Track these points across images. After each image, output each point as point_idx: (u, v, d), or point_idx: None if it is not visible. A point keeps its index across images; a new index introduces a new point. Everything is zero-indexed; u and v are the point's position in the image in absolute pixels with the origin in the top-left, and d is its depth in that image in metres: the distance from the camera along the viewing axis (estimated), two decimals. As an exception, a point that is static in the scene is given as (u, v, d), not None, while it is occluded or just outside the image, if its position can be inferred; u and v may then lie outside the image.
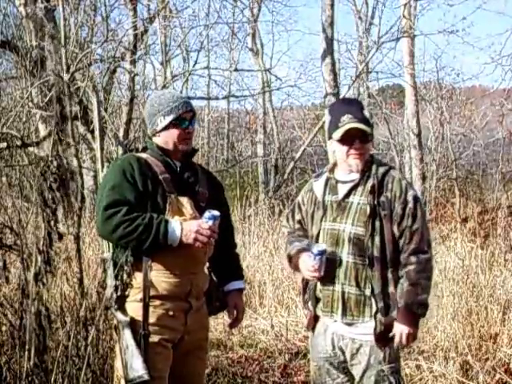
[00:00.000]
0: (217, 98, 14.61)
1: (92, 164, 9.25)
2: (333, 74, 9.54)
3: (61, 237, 2.98)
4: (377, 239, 2.74)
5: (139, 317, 2.63)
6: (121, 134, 9.19)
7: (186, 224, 2.64)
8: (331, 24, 9.61)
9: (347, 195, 2.83)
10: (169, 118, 2.77)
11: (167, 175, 2.72)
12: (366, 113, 2.98)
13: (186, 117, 2.79)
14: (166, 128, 2.78)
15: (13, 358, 3.10)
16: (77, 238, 4.39)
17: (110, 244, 2.82)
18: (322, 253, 2.74)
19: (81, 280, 4.12)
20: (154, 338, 2.63)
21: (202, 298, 2.83)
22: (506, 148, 15.66)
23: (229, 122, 18.45)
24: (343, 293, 2.79)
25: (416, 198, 2.79)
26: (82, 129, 8.73)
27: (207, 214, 2.66)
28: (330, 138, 2.86)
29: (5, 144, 8.20)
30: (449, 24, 10.80)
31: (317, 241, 2.86)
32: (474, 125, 15.80)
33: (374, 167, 2.83)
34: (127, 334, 2.60)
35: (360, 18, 15.15)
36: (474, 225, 8.27)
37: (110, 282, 2.69)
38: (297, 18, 36.22)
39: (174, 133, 2.78)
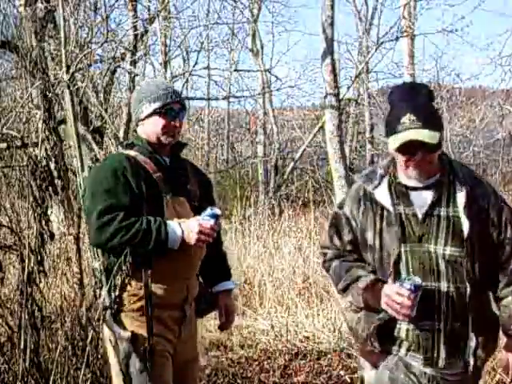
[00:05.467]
0: (217, 99, 14.64)
1: (92, 164, 9.24)
2: (333, 75, 9.54)
3: (53, 236, 2.93)
4: (476, 259, 2.23)
5: (138, 328, 2.50)
6: (121, 134, 9.19)
7: (185, 225, 2.46)
8: (331, 24, 9.60)
9: (431, 206, 2.26)
10: (154, 106, 2.56)
11: (160, 174, 2.54)
12: (435, 104, 2.37)
13: (174, 107, 2.57)
14: (149, 116, 2.57)
15: (12, 359, 3.10)
16: (77, 239, 4.37)
17: (99, 251, 2.61)
18: (417, 288, 2.15)
19: (81, 280, 4.11)
20: (156, 351, 2.51)
21: (193, 304, 2.69)
22: (506, 149, 15.67)
23: (229, 122, 18.44)
24: (445, 332, 2.24)
25: (507, 204, 2.32)
26: (81, 129, 8.72)
27: (209, 211, 2.47)
28: (386, 136, 2.28)
29: (5, 144, 8.19)
30: (448, 23, 10.84)
31: (396, 268, 2.26)
32: (474, 125, 15.80)
33: (457, 170, 2.29)
34: (128, 349, 2.47)
35: (360, 18, 15.15)
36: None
37: (104, 292, 2.53)
38: (297, 19, 36.34)
39: (158, 122, 2.56)
